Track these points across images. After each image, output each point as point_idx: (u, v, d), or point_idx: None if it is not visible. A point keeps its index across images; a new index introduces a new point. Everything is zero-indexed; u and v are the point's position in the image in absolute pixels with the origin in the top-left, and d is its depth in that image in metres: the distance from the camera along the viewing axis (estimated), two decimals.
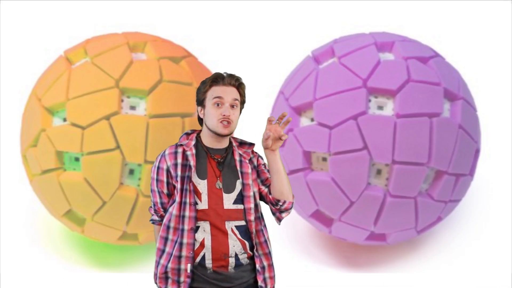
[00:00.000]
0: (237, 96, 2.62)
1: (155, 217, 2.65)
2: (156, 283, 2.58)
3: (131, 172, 3.54)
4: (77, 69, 3.63)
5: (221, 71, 2.66)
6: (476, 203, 4.24)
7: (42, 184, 3.67)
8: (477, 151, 3.73)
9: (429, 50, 3.75)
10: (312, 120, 3.60)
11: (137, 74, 3.56)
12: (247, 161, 2.65)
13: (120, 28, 4.07)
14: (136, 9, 5.26)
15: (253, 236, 2.58)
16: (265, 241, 2.61)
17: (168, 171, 2.60)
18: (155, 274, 2.57)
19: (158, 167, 2.62)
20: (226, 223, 2.55)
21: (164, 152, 2.64)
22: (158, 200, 2.63)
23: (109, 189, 3.51)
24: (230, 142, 2.68)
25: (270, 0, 5.27)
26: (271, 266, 2.61)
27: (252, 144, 2.69)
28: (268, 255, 2.61)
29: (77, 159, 3.54)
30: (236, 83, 2.62)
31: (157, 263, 2.57)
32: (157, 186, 2.62)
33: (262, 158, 2.70)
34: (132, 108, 3.55)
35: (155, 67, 3.61)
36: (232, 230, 2.56)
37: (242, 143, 2.69)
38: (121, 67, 3.57)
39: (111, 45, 3.69)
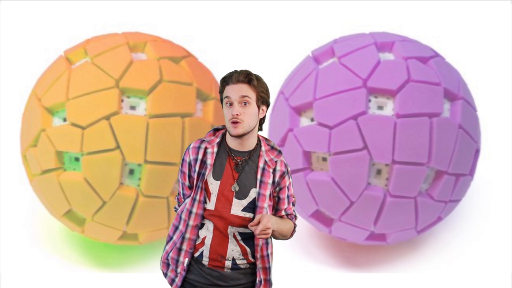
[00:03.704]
0: (248, 92, 2.49)
1: (178, 206, 2.66)
2: (160, 266, 2.66)
3: (131, 172, 3.54)
4: (77, 69, 3.63)
5: (235, 69, 2.55)
6: (476, 203, 4.24)
7: (42, 184, 3.67)
8: (477, 151, 3.73)
9: (429, 50, 3.75)
10: (312, 120, 3.60)
11: (137, 74, 3.56)
12: (270, 171, 2.55)
13: (120, 28, 4.07)
14: (136, 9, 5.26)
15: (258, 248, 2.55)
16: (268, 255, 2.57)
17: (190, 164, 2.57)
18: (161, 257, 2.64)
19: (183, 159, 2.60)
20: (229, 227, 2.52)
21: (190, 145, 2.60)
22: (181, 191, 2.62)
23: (109, 189, 3.51)
24: (259, 145, 2.58)
25: (270, 0, 5.28)
26: (267, 281, 2.58)
27: (280, 153, 2.59)
28: (267, 270, 2.57)
29: (77, 159, 3.55)
30: (245, 79, 2.50)
31: (164, 248, 2.63)
32: (181, 177, 2.61)
33: (289, 176, 2.60)
34: (132, 108, 3.55)
35: (155, 67, 3.61)
36: (234, 235, 2.53)
37: (273, 148, 2.59)
38: (121, 67, 3.57)
39: (111, 45, 3.69)
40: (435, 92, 3.51)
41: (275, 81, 4.11)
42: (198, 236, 2.55)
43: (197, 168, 2.55)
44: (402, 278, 3.85)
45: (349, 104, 3.46)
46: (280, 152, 2.59)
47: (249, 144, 2.55)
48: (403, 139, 3.41)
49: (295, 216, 2.64)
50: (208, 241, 2.53)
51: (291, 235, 2.62)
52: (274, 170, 2.56)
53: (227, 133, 2.57)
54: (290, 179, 2.60)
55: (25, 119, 3.79)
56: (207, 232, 2.54)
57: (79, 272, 3.89)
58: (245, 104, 2.50)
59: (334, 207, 3.57)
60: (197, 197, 2.54)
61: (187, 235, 2.55)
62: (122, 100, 3.54)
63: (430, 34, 4.68)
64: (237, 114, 2.48)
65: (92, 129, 3.47)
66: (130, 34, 3.85)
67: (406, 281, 3.83)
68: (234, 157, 2.54)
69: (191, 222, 2.54)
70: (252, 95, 2.51)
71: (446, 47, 4.29)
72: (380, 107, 3.50)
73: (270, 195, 2.55)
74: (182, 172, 2.61)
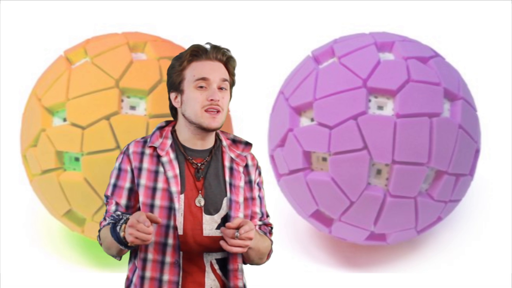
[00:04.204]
0: (226, 75, 1.98)
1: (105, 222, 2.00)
2: None
3: None
4: (77, 69, 3.63)
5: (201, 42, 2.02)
6: (476, 203, 4.24)
7: (42, 184, 3.67)
8: (477, 151, 3.73)
9: (429, 50, 3.75)
10: (312, 120, 3.60)
11: (137, 74, 3.56)
12: (240, 170, 2.02)
13: (120, 28, 4.07)
14: (136, 9, 5.26)
15: (231, 274, 1.97)
16: (244, 286, 2.02)
17: (132, 174, 1.97)
18: None
19: (119, 168, 1.98)
20: (205, 255, 1.96)
21: (128, 149, 2.00)
22: (113, 208, 1.99)
23: None
24: (218, 139, 2.05)
25: (270, 0, 5.27)
26: None
27: (249, 144, 2.06)
28: None
29: (77, 159, 3.55)
30: (224, 57, 1.99)
31: None
32: (113, 193, 1.98)
33: (260, 173, 2.10)
34: (132, 108, 3.55)
35: (155, 67, 3.61)
36: (211, 265, 1.97)
37: (235, 141, 2.06)
38: (121, 67, 3.57)
39: (111, 45, 3.69)
40: (435, 92, 3.50)
41: (275, 81, 4.12)
42: (179, 277, 1.93)
43: (143, 181, 1.95)
44: (402, 278, 3.85)
45: (349, 104, 3.46)
46: (247, 144, 2.06)
47: (210, 140, 2.01)
48: (403, 139, 3.41)
49: (271, 230, 2.13)
50: (175, 279, 1.93)
51: (268, 257, 2.09)
52: (246, 166, 2.04)
53: (177, 128, 2.05)
54: (262, 178, 2.11)
55: (25, 119, 3.78)
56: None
57: (79, 272, 3.89)
58: (221, 89, 1.98)
59: (334, 207, 3.57)
60: (170, 223, 1.92)
61: (165, 277, 1.92)
62: (122, 100, 3.54)
63: (430, 34, 4.67)
64: (218, 100, 1.95)
65: (92, 129, 3.47)
66: (130, 34, 3.85)
67: (406, 281, 3.83)
68: (192, 160, 1.98)
69: (167, 259, 1.93)
70: (228, 79, 2.01)
71: (446, 47, 4.29)
72: (380, 107, 3.50)
73: (244, 201, 2.01)
74: (116, 186, 1.98)
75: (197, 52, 1.98)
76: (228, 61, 2.01)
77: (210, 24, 5.22)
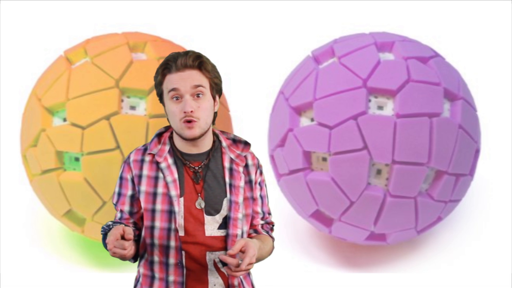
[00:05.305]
0: (200, 80, 1.97)
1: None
2: None
3: None
4: (77, 69, 3.63)
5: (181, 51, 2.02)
6: (476, 203, 4.24)
7: (42, 184, 3.67)
8: (477, 151, 3.73)
9: (429, 50, 3.75)
10: (312, 120, 3.60)
11: (137, 74, 3.56)
12: (240, 170, 2.04)
13: (120, 28, 4.07)
14: (136, 9, 5.26)
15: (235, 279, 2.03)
16: (251, 283, 2.11)
17: (132, 182, 2.05)
18: None
19: (121, 177, 2.08)
20: (208, 254, 2.01)
21: (129, 158, 2.08)
22: (118, 215, 2.09)
23: (109, 189, 3.51)
24: (217, 140, 2.08)
25: (270, 0, 5.28)
26: None
27: (248, 144, 2.08)
28: None
29: (77, 159, 3.55)
30: (195, 62, 1.97)
31: None
32: (117, 201, 2.08)
33: (262, 172, 2.12)
34: (132, 108, 3.55)
35: (155, 67, 3.59)
36: (214, 263, 2.02)
37: (235, 141, 2.08)
38: (121, 67, 3.57)
39: (111, 45, 3.69)
40: (435, 92, 3.50)
41: (275, 81, 4.12)
42: (183, 277, 2.00)
43: (143, 187, 2.02)
44: (402, 278, 3.85)
45: (349, 104, 3.46)
46: (246, 143, 2.08)
47: (205, 143, 2.04)
48: (403, 139, 3.41)
49: (273, 227, 2.18)
50: (179, 279, 1.99)
51: (269, 254, 2.14)
52: (246, 166, 2.07)
53: (174, 135, 2.07)
54: (263, 176, 2.14)
55: (25, 119, 3.79)
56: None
57: (79, 272, 3.89)
58: (198, 96, 1.97)
59: (334, 207, 3.57)
60: (171, 225, 1.98)
61: (171, 278, 1.99)
62: (122, 100, 3.54)
63: (430, 34, 4.68)
64: (191, 111, 1.96)
65: (92, 129, 3.47)
66: (130, 34, 3.85)
67: (406, 281, 3.83)
68: (190, 164, 2.02)
69: (171, 260, 1.99)
70: (205, 83, 1.99)
71: (446, 47, 4.29)
72: (380, 107, 3.50)
73: (244, 201, 2.05)
74: (119, 195, 2.08)
75: (167, 65, 1.99)
76: (201, 65, 1.99)
77: (210, 24, 5.22)
